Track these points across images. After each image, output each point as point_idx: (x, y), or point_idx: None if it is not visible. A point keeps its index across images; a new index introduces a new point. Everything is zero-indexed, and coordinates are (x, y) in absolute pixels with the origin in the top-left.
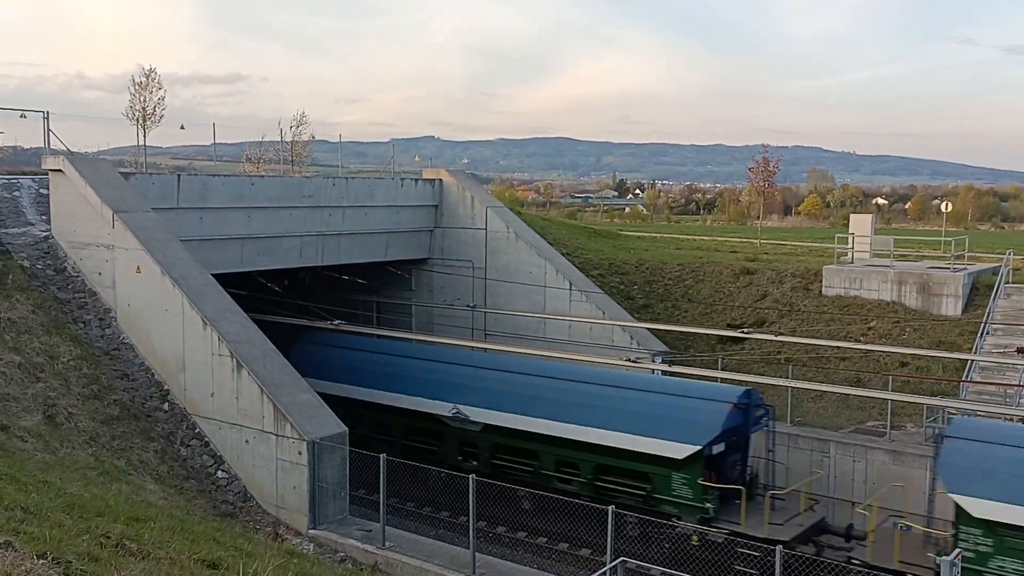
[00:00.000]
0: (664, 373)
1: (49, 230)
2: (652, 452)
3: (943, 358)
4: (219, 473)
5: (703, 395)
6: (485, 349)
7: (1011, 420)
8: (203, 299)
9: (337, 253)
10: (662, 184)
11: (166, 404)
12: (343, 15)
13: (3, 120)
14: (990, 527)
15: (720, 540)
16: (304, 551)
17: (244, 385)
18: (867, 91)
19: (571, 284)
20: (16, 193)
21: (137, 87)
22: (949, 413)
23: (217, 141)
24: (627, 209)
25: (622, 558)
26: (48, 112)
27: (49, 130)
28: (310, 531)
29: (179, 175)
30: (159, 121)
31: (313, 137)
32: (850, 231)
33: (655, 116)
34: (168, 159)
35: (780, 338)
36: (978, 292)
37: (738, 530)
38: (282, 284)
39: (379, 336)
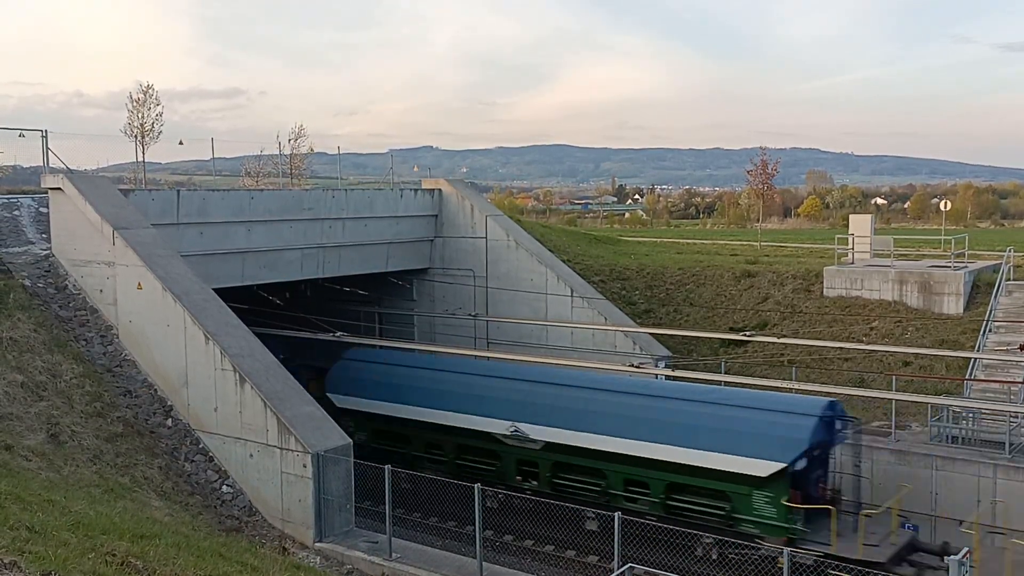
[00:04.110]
0: (667, 378)
1: (49, 248)
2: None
3: (946, 356)
4: (224, 488)
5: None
6: (488, 358)
7: (1015, 417)
8: (205, 314)
9: (338, 265)
10: (661, 189)
11: (169, 420)
12: (341, 27)
13: (2, 139)
14: None
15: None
16: (311, 564)
17: (247, 399)
18: (864, 91)
19: (572, 291)
20: (16, 212)
21: (135, 104)
22: (953, 411)
23: (216, 156)
24: (627, 215)
25: (629, 564)
26: (47, 131)
27: (48, 149)
28: (316, 544)
29: (178, 190)
30: (157, 137)
31: (312, 150)
32: (850, 232)
33: (653, 121)
34: (167, 175)
35: (783, 340)
36: (979, 290)
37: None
38: (283, 297)
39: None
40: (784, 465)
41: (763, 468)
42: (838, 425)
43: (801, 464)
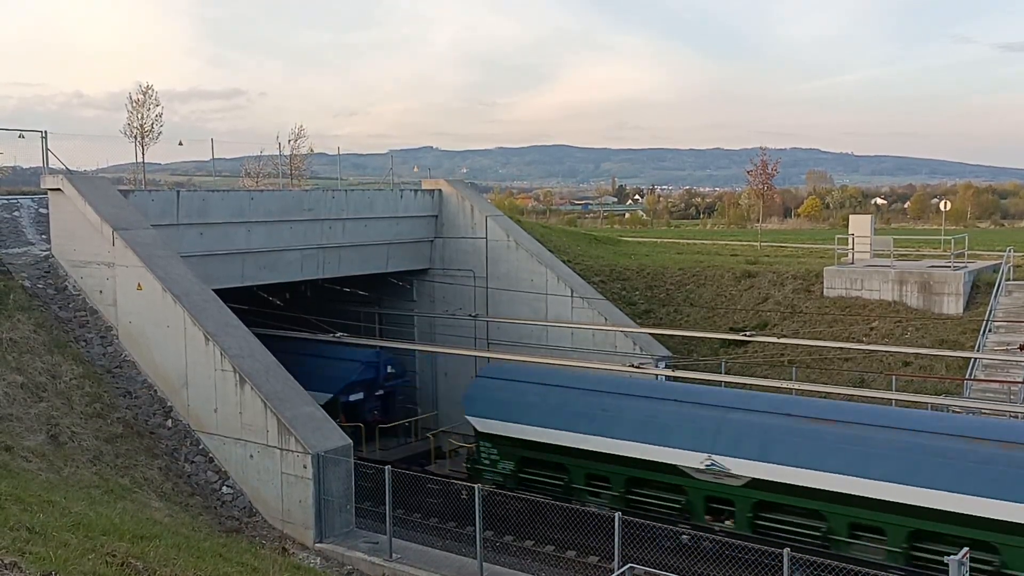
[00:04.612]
0: (668, 379)
1: (49, 249)
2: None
3: (946, 357)
4: (224, 488)
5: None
6: (488, 359)
7: (1015, 417)
8: (204, 315)
9: (338, 265)
10: (661, 189)
11: (169, 421)
12: (341, 28)
13: (2, 140)
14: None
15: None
16: (311, 565)
17: (248, 400)
18: (864, 91)
19: (572, 291)
20: (16, 213)
21: (134, 104)
22: (953, 411)
23: (216, 156)
24: (627, 215)
25: (630, 564)
26: (46, 132)
27: (47, 149)
28: (316, 545)
29: (178, 191)
30: (157, 138)
31: (312, 150)
32: (850, 232)
33: (653, 122)
34: (167, 175)
35: (783, 340)
36: (979, 290)
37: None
38: (283, 298)
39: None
40: (333, 395)
41: (323, 399)
42: (390, 369)
43: (354, 396)
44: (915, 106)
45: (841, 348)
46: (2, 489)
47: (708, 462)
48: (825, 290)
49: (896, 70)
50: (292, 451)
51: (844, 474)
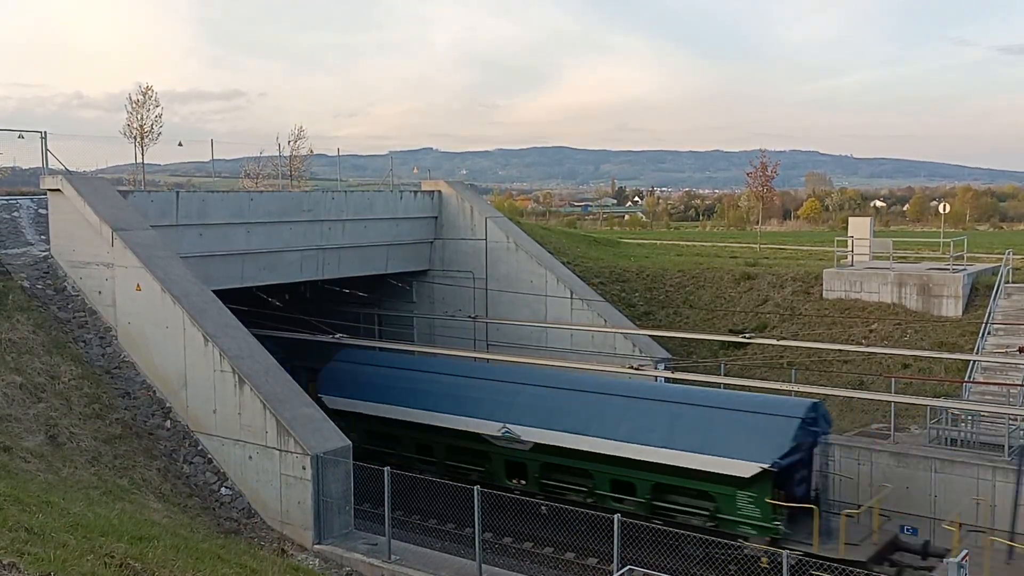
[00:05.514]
0: (667, 380)
1: (48, 250)
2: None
3: (945, 359)
4: (223, 490)
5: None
6: (488, 360)
7: (1013, 420)
8: (204, 315)
9: (337, 266)
10: (661, 191)
11: (168, 421)
12: (341, 29)
13: (1, 141)
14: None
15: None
16: (310, 566)
17: (247, 401)
18: (864, 94)
19: (572, 293)
20: (15, 213)
21: (134, 105)
22: (952, 413)
23: (215, 157)
24: (626, 217)
25: (629, 566)
26: (46, 132)
27: (47, 150)
28: (315, 546)
29: (178, 192)
30: (157, 139)
31: (311, 151)
32: (849, 234)
33: (652, 124)
34: (167, 176)
35: (782, 342)
36: (978, 292)
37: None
38: (283, 299)
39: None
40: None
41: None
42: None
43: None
44: (914, 108)
45: (840, 350)
46: (1, 490)
47: None
48: (824, 292)
49: (895, 72)
50: (291, 452)
51: None
